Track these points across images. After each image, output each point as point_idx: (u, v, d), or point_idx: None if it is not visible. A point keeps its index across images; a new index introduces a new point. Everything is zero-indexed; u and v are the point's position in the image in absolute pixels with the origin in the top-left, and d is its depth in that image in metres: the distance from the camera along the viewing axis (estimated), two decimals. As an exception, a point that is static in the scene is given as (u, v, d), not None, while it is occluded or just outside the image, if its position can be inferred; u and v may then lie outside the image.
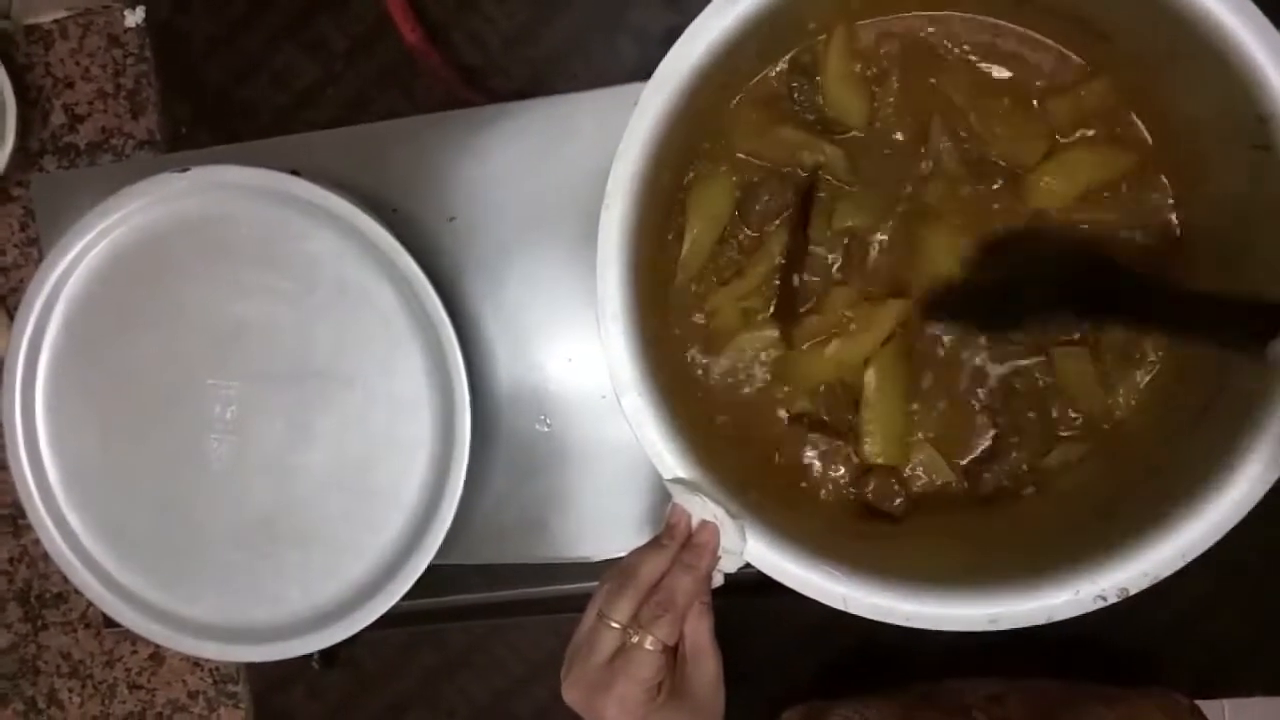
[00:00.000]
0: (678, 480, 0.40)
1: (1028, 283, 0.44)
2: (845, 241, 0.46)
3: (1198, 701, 0.61)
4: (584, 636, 0.38)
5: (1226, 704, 0.64)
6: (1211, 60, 0.37)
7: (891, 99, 0.46)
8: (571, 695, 0.38)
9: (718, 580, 0.40)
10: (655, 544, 0.40)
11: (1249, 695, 0.61)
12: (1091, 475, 0.43)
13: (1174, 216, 0.44)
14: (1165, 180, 0.44)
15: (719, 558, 0.39)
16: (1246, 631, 0.60)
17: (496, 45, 0.64)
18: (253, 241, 0.52)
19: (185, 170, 0.51)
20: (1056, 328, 0.45)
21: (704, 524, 0.39)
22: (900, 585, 0.38)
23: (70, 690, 0.69)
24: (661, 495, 0.49)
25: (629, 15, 0.62)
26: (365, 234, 0.51)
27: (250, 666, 0.65)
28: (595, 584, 0.58)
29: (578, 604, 0.60)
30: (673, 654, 0.38)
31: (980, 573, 0.38)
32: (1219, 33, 0.36)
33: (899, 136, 0.46)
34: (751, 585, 0.42)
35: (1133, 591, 0.37)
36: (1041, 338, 0.45)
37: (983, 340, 0.45)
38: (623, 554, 0.55)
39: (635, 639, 0.37)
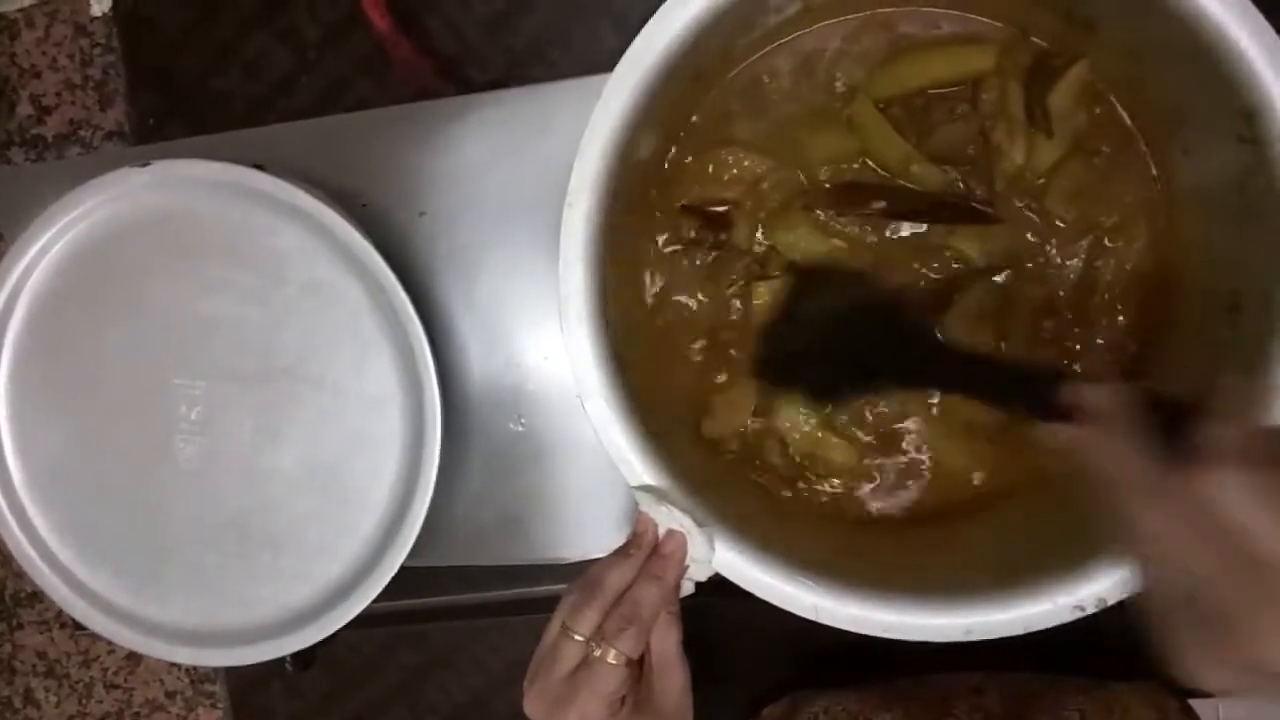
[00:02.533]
0: (644, 488, 0.39)
1: (839, 346, 0.42)
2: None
3: (1190, 701, 0.60)
4: (547, 649, 0.37)
5: (1220, 704, 0.63)
6: (1199, 52, 0.36)
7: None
8: (532, 709, 0.37)
9: (687, 589, 0.39)
10: (621, 553, 0.39)
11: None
12: (1070, 482, 0.42)
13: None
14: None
15: (686, 567, 0.38)
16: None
17: (473, 33, 0.62)
18: (218, 237, 0.51)
19: (146, 165, 0.50)
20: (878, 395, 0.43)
21: (671, 534, 0.38)
22: (874, 595, 0.37)
23: (47, 690, 0.68)
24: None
25: (606, 2, 0.61)
26: (333, 230, 0.50)
27: (227, 667, 0.65)
28: (572, 586, 0.58)
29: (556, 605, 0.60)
30: (638, 666, 0.37)
31: (957, 582, 0.37)
32: (1208, 25, 0.35)
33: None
34: (731, 584, 0.41)
35: (1110, 602, 0.36)
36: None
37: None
38: (601, 554, 0.54)
39: (598, 652, 0.36)
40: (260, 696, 0.64)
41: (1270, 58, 0.34)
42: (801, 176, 0.45)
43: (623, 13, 0.61)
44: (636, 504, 0.39)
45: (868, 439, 0.44)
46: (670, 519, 0.38)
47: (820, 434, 0.44)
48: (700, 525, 0.38)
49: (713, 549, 0.38)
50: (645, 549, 0.38)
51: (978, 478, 0.45)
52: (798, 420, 0.43)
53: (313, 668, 0.63)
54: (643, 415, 0.39)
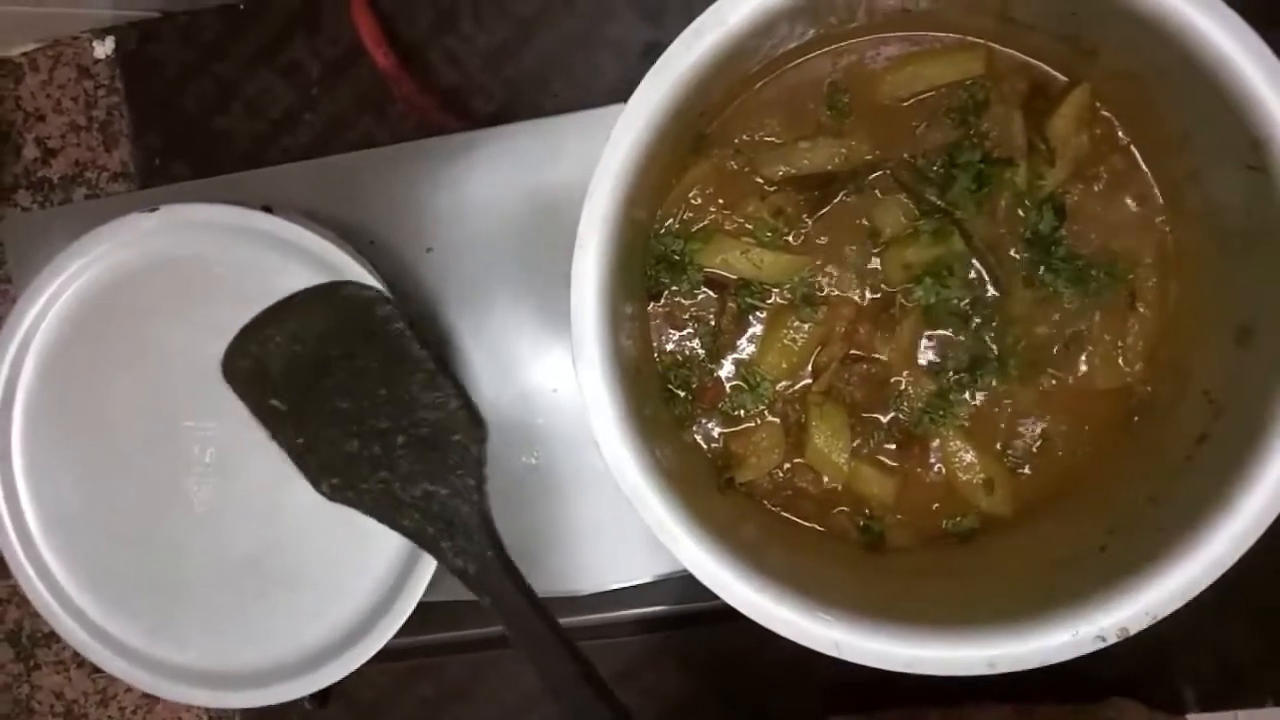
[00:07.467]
0: None
1: None
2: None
3: (1208, 715, 0.60)
4: None
5: (1241, 715, 0.63)
6: (1203, 80, 0.36)
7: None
8: None
9: None
10: None
11: (1260, 706, 0.60)
12: (1089, 506, 0.42)
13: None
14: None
15: None
16: (1255, 640, 0.59)
17: (474, 65, 0.62)
18: (226, 280, 0.51)
19: (154, 210, 0.50)
20: None
21: None
22: (895, 629, 0.37)
23: (64, 730, 0.68)
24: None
25: (608, 31, 0.61)
26: (341, 269, 0.50)
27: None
28: (588, 618, 0.57)
29: (571, 636, 0.59)
30: None
31: (977, 612, 0.37)
32: (1212, 53, 0.35)
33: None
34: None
35: (1133, 631, 0.36)
36: None
37: None
38: (616, 587, 0.54)
39: None
40: (277, 733, 0.64)
41: (1275, 86, 0.34)
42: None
43: (621, 43, 0.61)
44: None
45: (895, 464, 0.44)
46: None
47: (854, 465, 0.44)
48: None
49: None
50: None
51: (993, 502, 0.45)
52: (828, 454, 0.43)
53: (327, 706, 0.63)
54: (659, 450, 0.39)
